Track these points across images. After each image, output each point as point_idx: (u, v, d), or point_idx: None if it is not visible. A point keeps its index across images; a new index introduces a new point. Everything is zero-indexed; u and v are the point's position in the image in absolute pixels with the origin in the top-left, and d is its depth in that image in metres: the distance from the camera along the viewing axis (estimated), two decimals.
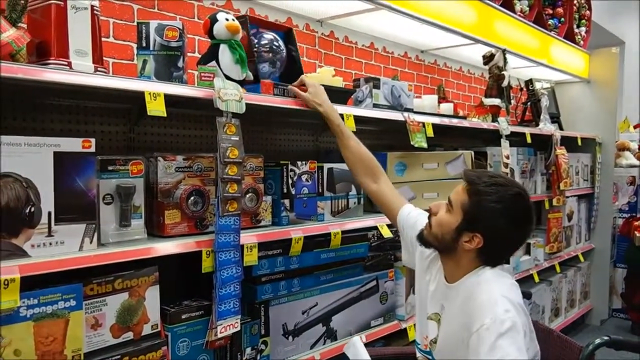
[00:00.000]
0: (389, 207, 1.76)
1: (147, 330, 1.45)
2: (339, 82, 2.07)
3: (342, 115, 1.88)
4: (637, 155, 4.90)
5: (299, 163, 1.86)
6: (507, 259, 1.46)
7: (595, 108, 4.37)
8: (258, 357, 1.72)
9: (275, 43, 1.88)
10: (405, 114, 2.25)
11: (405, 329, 2.25)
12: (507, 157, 2.87)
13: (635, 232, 4.24)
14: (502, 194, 1.34)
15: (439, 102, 2.93)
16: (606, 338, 1.63)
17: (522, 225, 1.39)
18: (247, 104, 1.57)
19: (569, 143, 3.78)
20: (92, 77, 1.32)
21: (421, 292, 1.58)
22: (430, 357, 1.50)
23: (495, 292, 1.30)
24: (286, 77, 1.91)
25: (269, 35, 1.88)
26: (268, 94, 1.73)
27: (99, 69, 1.37)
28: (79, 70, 1.30)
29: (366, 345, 1.59)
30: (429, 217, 1.47)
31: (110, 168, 1.41)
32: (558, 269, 3.79)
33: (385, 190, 1.77)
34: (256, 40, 1.83)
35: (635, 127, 5.43)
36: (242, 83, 1.63)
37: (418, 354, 1.58)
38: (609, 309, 4.53)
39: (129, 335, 1.41)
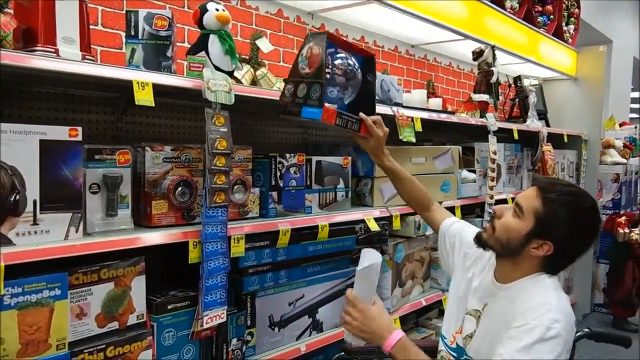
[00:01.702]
0: (436, 225, 1.83)
1: (132, 320, 1.45)
2: None
3: None
4: (622, 153, 4.97)
5: (288, 155, 1.86)
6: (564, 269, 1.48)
7: (581, 105, 4.41)
8: (244, 348, 1.73)
9: (350, 67, 1.66)
10: (394, 108, 2.26)
11: None
12: (495, 153, 2.90)
13: (619, 229, 4.32)
14: (578, 205, 1.33)
15: (428, 97, 2.94)
16: (586, 330, 1.66)
17: (591, 238, 1.40)
18: (235, 96, 1.56)
19: (556, 140, 3.82)
20: (80, 65, 1.31)
21: (459, 289, 1.57)
22: (454, 354, 1.50)
23: (552, 300, 1.30)
24: (356, 105, 1.71)
25: (345, 57, 1.66)
26: (329, 122, 1.56)
27: (86, 56, 1.36)
28: (67, 58, 1.29)
29: None
30: (491, 220, 1.45)
31: (97, 157, 1.41)
32: None
33: (436, 216, 1.84)
34: (330, 60, 1.62)
35: (621, 125, 5.51)
36: (232, 76, 1.62)
37: (442, 347, 1.57)
38: (591, 303, 4.60)
39: (114, 325, 1.41)
